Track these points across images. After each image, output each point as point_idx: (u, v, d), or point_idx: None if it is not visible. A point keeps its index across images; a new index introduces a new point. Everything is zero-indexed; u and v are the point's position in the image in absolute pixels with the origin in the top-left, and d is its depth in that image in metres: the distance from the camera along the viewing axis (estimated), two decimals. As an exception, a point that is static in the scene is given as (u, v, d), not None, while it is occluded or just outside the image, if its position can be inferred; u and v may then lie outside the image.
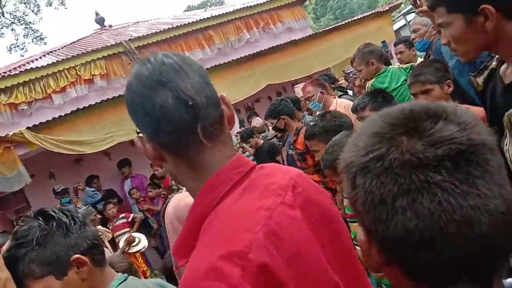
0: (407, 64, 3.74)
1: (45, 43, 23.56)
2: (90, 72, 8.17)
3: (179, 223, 1.82)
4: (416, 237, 0.51)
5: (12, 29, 22.80)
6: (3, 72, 7.96)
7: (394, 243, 0.53)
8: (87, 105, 6.88)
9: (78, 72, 8.10)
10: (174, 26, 8.96)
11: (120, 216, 6.78)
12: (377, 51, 3.61)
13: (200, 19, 9.36)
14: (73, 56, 8.15)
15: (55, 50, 9.71)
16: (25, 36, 23.23)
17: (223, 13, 9.66)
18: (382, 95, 2.74)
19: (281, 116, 3.81)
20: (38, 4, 21.85)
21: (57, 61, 8.03)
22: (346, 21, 9.30)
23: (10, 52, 23.65)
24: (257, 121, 7.55)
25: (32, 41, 23.33)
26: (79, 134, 6.63)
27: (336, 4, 37.98)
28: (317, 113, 4.25)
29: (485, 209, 0.49)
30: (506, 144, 1.36)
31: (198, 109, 0.82)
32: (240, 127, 6.27)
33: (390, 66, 3.63)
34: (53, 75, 7.92)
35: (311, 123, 2.59)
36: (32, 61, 8.84)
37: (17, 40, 23.19)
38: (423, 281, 0.56)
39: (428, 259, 0.52)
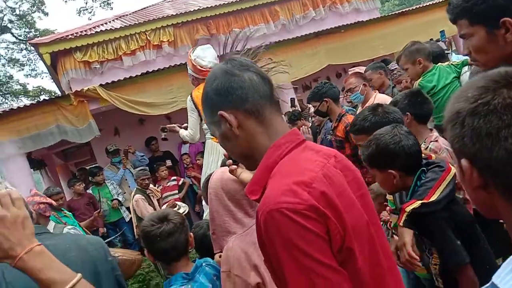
0: (458, 60, 3.57)
1: (111, 8, 24.48)
2: (159, 38, 8.51)
3: (223, 193, 1.95)
4: None
5: (83, -8, 23.77)
6: (80, 32, 8.46)
7: (497, 165, 0.70)
8: (155, 69, 7.20)
9: (148, 37, 8.46)
10: (242, -1, 9.11)
11: (172, 178, 7.19)
12: (424, 49, 3.43)
13: (267, -6, 9.44)
14: (144, 21, 8.51)
15: (126, 15, 10.14)
16: (94, 0, 24.16)
17: (290, -11, 9.68)
18: (420, 96, 2.69)
19: (324, 99, 3.66)
20: (108, -31, 22.60)
21: (130, 25, 8.43)
22: (415, 7, 9.06)
23: (79, 15, 24.73)
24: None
25: (100, 6, 24.23)
26: (147, 95, 6.99)
27: (402, -11, 36.51)
28: (357, 105, 4.13)
29: None
30: None
31: (272, 85, 1.15)
32: (291, 106, 6.27)
33: (439, 64, 3.45)
34: (125, 38, 8.32)
35: (360, 117, 2.48)
36: (106, 23, 9.29)
37: (86, 3, 24.19)
38: None
39: None
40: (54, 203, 4.24)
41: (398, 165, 1.91)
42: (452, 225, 1.80)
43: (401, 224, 1.84)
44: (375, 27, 8.39)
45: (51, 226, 3.97)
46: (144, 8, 10.93)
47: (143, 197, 5.72)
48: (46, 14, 23.60)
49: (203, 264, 2.04)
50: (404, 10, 9.12)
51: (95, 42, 8.08)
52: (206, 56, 4.40)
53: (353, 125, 2.54)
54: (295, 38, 8.02)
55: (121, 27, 8.36)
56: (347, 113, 3.71)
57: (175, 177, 7.28)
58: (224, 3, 9.06)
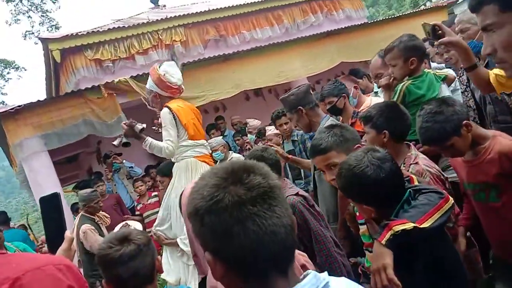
0: (441, 72, 3.22)
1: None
2: (171, 37, 8.36)
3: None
4: (249, 248, 0.77)
5: (29, 16, 22.53)
6: (91, 30, 8.07)
7: (236, 257, 0.79)
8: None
9: (160, 37, 8.27)
10: (248, 2, 9.25)
11: (153, 194, 6.38)
12: (421, 49, 2.88)
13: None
14: (157, 20, 8.33)
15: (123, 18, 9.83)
16: (41, 24, 22.97)
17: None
18: (397, 110, 2.37)
19: (343, 94, 3.48)
20: (57, -7, 21.76)
21: (142, 23, 8.18)
22: (412, 11, 9.76)
23: (25, 39, 23.27)
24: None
25: (47, 30, 23.10)
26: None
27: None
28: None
29: (282, 224, 0.80)
30: None
31: None
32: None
33: (427, 70, 2.98)
34: (137, 36, 8.08)
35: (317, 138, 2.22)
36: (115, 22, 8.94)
37: (32, 27, 22.90)
38: (256, 279, 0.81)
39: (256, 261, 0.79)
40: None
41: (371, 201, 1.64)
42: (426, 260, 1.59)
43: (383, 242, 1.54)
44: (375, 30, 8.84)
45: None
46: (131, 17, 10.63)
47: (93, 227, 4.63)
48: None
49: None
50: (401, 14, 9.78)
51: (107, 39, 7.76)
52: (175, 73, 3.88)
53: (310, 146, 2.30)
54: (308, 36, 8.26)
55: (133, 25, 8.10)
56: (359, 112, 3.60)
57: (155, 193, 6.37)
58: (231, 6, 9.15)
